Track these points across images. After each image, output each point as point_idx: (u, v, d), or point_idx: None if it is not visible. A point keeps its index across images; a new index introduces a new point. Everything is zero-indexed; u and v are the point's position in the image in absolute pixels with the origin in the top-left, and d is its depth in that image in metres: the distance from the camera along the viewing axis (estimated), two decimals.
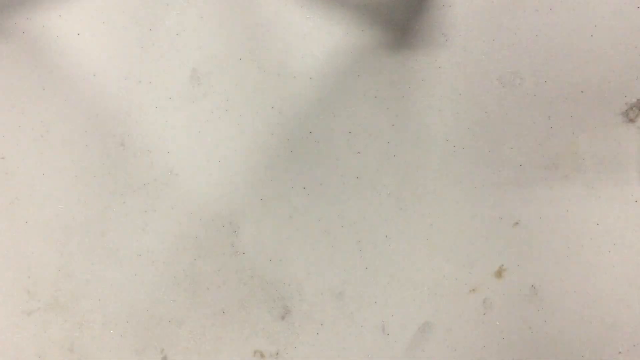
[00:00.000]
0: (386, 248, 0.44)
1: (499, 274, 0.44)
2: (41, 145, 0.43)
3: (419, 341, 0.44)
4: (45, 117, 0.43)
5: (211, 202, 0.44)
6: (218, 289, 0.44)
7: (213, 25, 0.44)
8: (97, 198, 0.43)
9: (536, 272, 0.44)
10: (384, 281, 0.44)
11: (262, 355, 0.43)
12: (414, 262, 0.44)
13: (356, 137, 0.44)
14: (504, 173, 0.44)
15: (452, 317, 0.44)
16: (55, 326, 0.43)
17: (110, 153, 0.44)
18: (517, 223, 0.44)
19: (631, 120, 0.44)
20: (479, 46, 0.44)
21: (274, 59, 0.44)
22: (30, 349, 0.43)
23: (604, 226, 0.44)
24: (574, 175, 0.44)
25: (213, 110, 0.44)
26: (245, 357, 0.43)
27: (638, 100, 0.44)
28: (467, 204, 0.44)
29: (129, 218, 0.44)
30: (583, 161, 0.44)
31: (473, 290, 0.44)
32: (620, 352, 0.44)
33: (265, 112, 0.44)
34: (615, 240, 0.44)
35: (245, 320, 0.43)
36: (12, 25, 0.43)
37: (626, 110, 0.44)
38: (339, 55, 0.44)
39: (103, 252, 0.43)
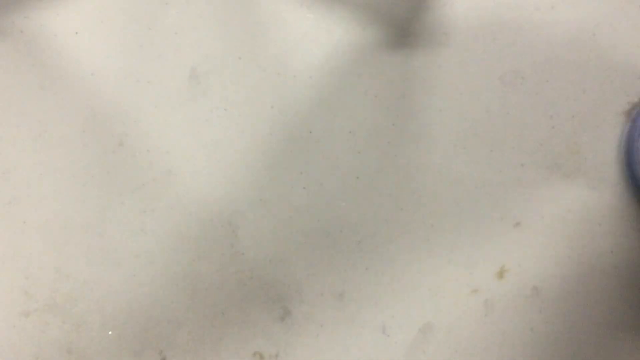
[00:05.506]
0: (387, 249, 0.44)
1: (500, 274, 0.44)
2: (39, 145, 0.43)
3: (419, 342, 0.43)
4: (43, 116, 0.43)
5: (210, 203, 0.43)
6: (217, 290, 0.43)
7: (212, 24, 0.44)
8: (96, 198, 0.43)
9: (538, 273, 0.44)
10: (384, 282, 0.44)
11: (261, 357, 0.43)
12: (414, 263, 0.44)
13: (357, 136, 0.44)
14: (505, 173, 0.44)
15: (453, 319, 0.44)
16: (53, 327, 0.43)
17: (108, 153, 0.43)
18: (519, 223, 0.44)
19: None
20: (480, 45, 0.44)
21: (273, 57, 0.44)
22: (28, 351, 0.43)
23: (605, 227, 0.44)
24: (576, 176, 0.44)
25: (212, 109, 0.44)
26: (245, 358, 0.43)
27: None
28: (468, 204, 0.44)
29: (128, 219, 0.43)
30: (585, 161, 0.44)
31: (474, 291, 0.44)
32: (623, 352, 0.43)
33: (265, 111, 0.44)
34: (617, 241, 0.44)
35: (244, 321, 0.43)
36: (10, 24, 0.43)
37: (628, 110, 0.44)
38: (339, 54, 0.44)
39: (101, 253, 0.43)
